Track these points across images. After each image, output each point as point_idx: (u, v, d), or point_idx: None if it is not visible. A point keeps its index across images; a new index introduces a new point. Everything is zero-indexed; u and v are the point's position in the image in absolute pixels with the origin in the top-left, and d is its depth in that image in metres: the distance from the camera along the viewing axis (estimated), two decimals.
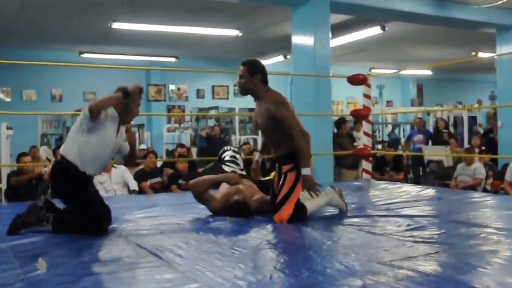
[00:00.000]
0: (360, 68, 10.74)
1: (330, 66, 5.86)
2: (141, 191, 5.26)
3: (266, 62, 10.71)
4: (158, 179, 5.61)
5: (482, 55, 10.48)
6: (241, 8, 7.04)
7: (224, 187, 3.11)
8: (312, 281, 1.75)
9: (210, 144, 8.43)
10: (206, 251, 2.17)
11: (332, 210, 3.13)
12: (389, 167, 6.92)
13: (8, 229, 2.46)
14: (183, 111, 11.50)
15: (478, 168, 6.35)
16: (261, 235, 2.51)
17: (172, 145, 9.47)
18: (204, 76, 11.57)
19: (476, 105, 12.43)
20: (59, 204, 2.70)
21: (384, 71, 12.76)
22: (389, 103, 13.87)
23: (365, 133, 5.02)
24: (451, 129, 9.88)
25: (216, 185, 3.10)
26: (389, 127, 11.41)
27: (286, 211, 2.79)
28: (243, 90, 2.93)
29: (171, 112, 11.33)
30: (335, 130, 6.65)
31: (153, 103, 11.18)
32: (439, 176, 7.35)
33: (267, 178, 3.69)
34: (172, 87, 11.51)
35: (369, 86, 4.92)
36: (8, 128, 6.20)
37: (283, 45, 8.43)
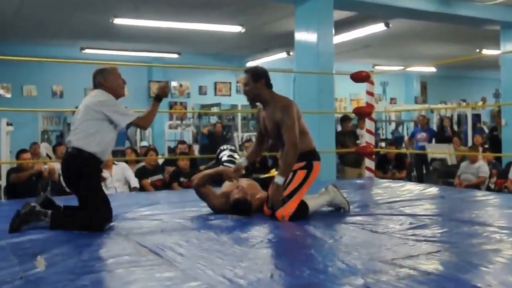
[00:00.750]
0: (363, 65, 10.66)
1: (333, 63, 5.83)
2: (142, 189, 5.24)
3: (268, 58, 10.68)
4: (159, 177, 5.60)
5: (487, 52, 10.42)
6: (243, 4, 7.01)
7: (226, 184, 3.10)
8: (313, 280, 1.74)
9: (212, 141, 8.42)
10: (206, 249, 2.16)
11: (333, 208, 3.11)
12: (391, 165, 6.88)
13: (9, 228, 2.47)
14: (185, 108, 11.48)
15: (482, 167, 6.29)
16: (262, 233, 2.50)
17: (174, 142, 9.45)
18: (207, 72, 11.54)
19: (480, 103, 12.34)
20: (58, 202, 2.70)
21: (388, 68, 12.71)
22: (392, 101, 13.82)
23: (368, 131, 4.99)
24: (455, 127, 9.84)
25: (214, 179, 3.07)
26: (393, 125, 11.36)
27: (289, 208, 2.78)
28: (251, 98, 2.95)
29: (173, 109, 11.32)
30: (339, 128, 6.62)
31: None
32: (443, 174, 7.32)
33: (267, 175, 3.67)
34: (174, 83, 11.49)
35: (372, 83, 4.89)
36: (8, 124, 6.16)
37: (286, 41, 8.39)
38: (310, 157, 2.90)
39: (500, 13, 7.26)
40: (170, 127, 10.16)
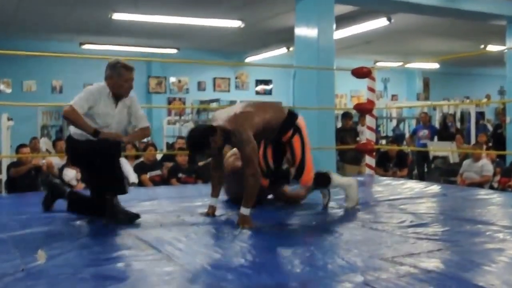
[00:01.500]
0: (364, 60, 10.62)
1: (334, 59, 5.78)
2: (140, 184, 5.25)
3: (268, 54, 10.62)
4: (158, 172, 5.59)
5: (492, 48, 10.23)
6: None
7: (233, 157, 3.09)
8: (313, 276, 1.74)
9: None
10: (205, 244, 2.18)
11: (335, 205, 3.10)
12: (392, 163, 6.83)
13: (43, 207, 2.85)
14: (184, 103, 11.44)
15: (486, 165, 6.14)
16: (261, 229, 2.48)
17: (172, 138, 9.43)
18: (206, 68, 11.49)
19: (485, 100, 12.23)
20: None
21: (390, 64, 12.63)
22: (394, 97, 13.73)
23: (369, 128, 4.95)
24: (458, 125, 9.77)
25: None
26: (394, 122, 11.30)
27: (308, 173, 2.87)
28: (219, 148, 2.75)
29: (171, 105, 11.29)
30: (339, 125, 6.58)
31: (153, 95, 11.13)
32: (445, 172, 7.26)
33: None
34: (172, 79, 11.45)
35: (373, 79, 4.84)
36: (9, 119, 6.17)
37: (286, 36, 8.32)
38: (290, 121, 2.86)
39: (506, 7, 7.10)
40: (169, 122, 10.14)
